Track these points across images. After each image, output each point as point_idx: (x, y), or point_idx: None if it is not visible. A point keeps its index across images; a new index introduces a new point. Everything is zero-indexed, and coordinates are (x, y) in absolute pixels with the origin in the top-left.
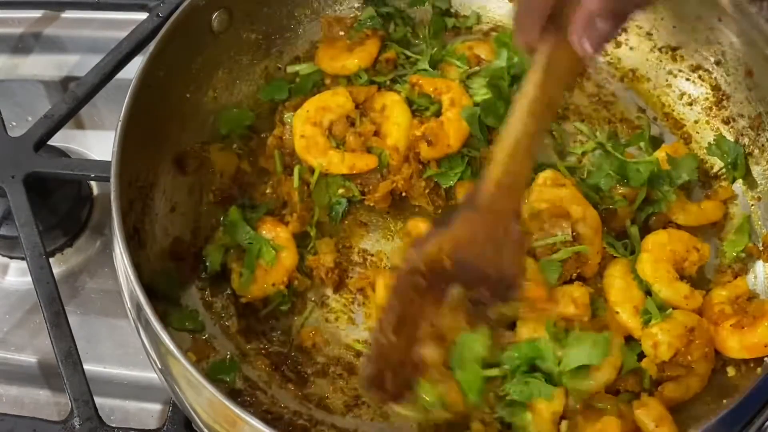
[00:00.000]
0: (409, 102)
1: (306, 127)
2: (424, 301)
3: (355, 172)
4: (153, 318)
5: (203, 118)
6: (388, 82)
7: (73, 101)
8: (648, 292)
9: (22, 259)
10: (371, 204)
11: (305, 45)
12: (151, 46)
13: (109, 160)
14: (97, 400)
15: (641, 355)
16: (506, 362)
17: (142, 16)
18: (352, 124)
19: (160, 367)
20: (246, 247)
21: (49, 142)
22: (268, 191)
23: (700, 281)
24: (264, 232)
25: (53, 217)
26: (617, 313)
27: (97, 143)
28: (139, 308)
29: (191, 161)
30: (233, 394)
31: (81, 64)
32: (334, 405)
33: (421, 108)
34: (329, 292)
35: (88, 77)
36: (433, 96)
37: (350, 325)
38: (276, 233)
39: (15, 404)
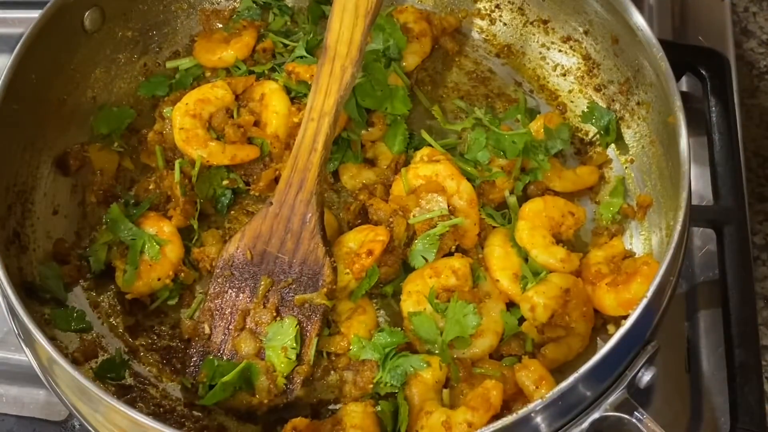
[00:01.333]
0: (288, 90)
1: (185, 120)
2: (237, 294)
3: (237, 162)
4: (28, 321)
5: (84, 119)
6: (267, 72)
7: None
8: (527, 259)
9: None
10: (256, 194)
11: (184, 39)
12: (16, 49)
13: None
14: None
15: (523, 320)
16: (376, 352)
17: None
18: (232, 116)
19: (37, 364)
20: (129, 243)
21: None
22: (151, 187)
23: (579, 244)
24: (147, 227)
25: None
26: (497, 280)
27: None
28: (14, 313)
29: (73, 162)
30: (123, 391)
31: None
32: None
33: (299, 95)
34: None
35: None
36: (310, 82)
37: None
38: (159, 228)
39: (15, 404)
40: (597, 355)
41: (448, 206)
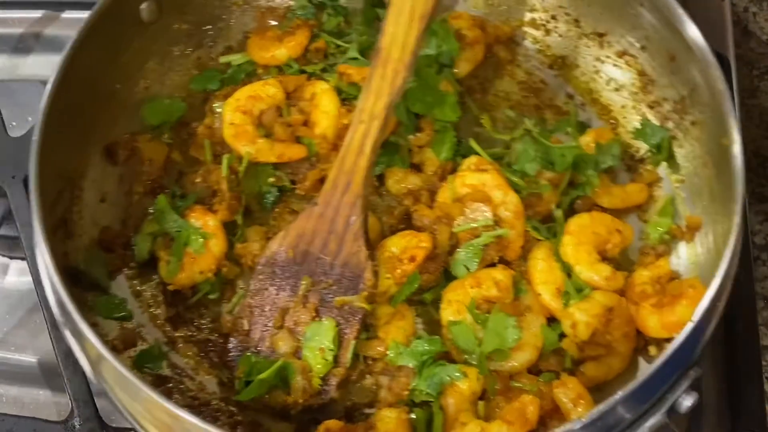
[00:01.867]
0: (339, 91)
1: (236, 116)
2: (278, 292)
3: (284, 160)
4: (72, 307)
5: (135, 109)
6: (318, 72)
7: None
8: (570, 274)
9: (23, 259)
10: (302, 193)
11: (238, 35)
12: (73, 38)
13: None
14: (98, 401)
15: (564, 336)
16: (413, 358)
17: None
18: (281, 115)
19: (82, 358)
20: (174, 234)
21: None
22: (198, 180)
23: (624, 263)
24: (192, 220)
25: None
26: (539, 294)
27: None
28: (60, 302)
29: (122, 152)
30: (160, 381)
31: None
32: None
33: (350, 97)
34: None
35: None
36: (361, 84)
37: None
38: (204, 221)
39: (15, 404)
40: (639, 377)
41: (494, 217)
